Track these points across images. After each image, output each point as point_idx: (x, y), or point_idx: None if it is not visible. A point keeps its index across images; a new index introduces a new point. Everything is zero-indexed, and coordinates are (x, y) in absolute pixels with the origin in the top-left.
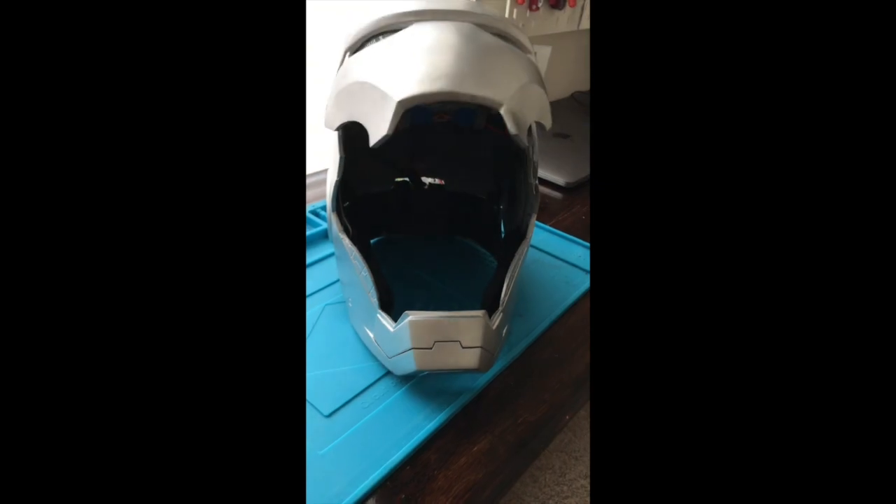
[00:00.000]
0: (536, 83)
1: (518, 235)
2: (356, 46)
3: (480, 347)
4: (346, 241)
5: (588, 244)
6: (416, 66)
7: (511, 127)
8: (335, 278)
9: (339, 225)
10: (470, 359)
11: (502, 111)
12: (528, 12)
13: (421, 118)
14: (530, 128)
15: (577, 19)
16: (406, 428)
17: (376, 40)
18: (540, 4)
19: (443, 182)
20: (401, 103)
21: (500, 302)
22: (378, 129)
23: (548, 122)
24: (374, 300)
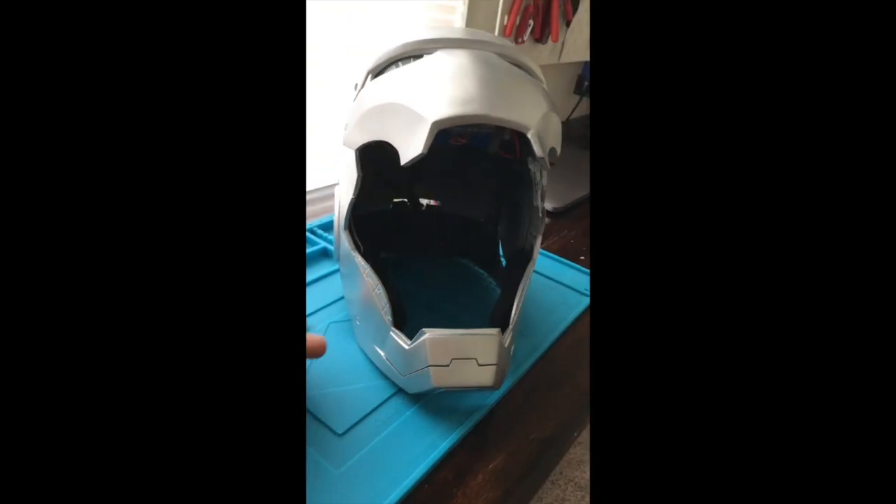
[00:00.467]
0: (554, 111)
1: (524, 255)
2: (378, 70)
3: (496, 365)
4: (359, 259)
5: (580, 266)
6: (447, 89)
7: (538, 150)
8: (336, 296)
9: (351, 242)
10: (486, 376)
11: (530, 135)
12: (514, 44)
13: (439, 140)
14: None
15: (557, 53)
16: (421, 446)
17: (397, 65)
18: (525, 38)
19: (438, 203)
20: (436, 124)
21: (511, 321)
22: (411, 148)
23: (559, 148)
24: (389, 318)
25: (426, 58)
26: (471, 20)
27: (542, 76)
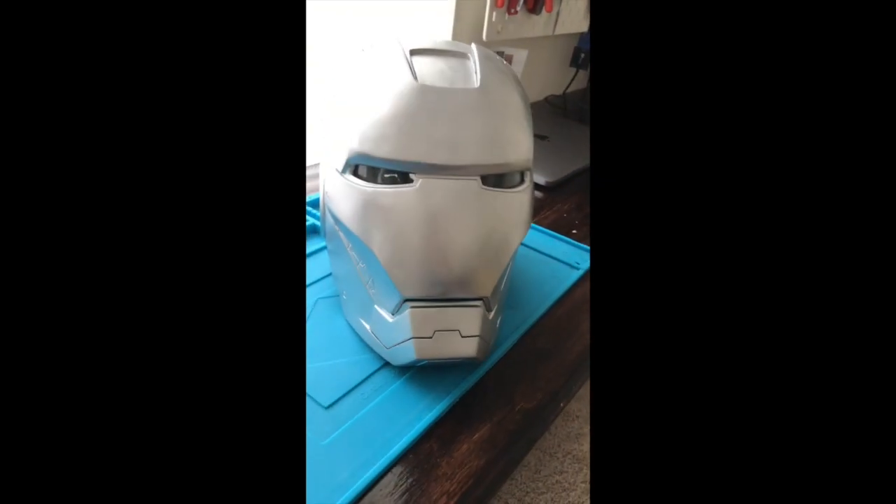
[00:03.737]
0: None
1: None
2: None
3: (479, 336)
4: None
5: (572, 240)
6: (424, 260)
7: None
8: (325, 273)
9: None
10: (469, 348)
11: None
12: (506, 15)
13: None
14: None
15: (552, 25)
16: (406, 417)
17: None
18: (518, 8)
19: None
20: (409, 302)
21: (496, 292)
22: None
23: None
24: (373, 291)
25: (405, 194)
26: None
27: (528, 104)
